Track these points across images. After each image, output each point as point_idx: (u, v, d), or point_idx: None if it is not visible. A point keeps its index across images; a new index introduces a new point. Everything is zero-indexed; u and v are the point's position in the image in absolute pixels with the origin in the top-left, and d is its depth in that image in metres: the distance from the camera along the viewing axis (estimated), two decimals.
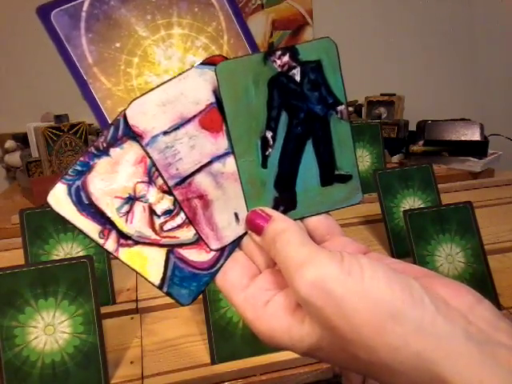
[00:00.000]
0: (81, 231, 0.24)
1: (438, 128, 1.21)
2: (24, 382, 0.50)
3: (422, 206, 0.80)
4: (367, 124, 1.08)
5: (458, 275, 0.65)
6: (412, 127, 1.36)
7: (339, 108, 0.26)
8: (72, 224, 0.24)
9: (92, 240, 0.24)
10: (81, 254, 0.68)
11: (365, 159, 1.05)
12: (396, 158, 1.27)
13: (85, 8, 0.24)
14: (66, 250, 0.68)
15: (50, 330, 0.51)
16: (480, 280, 0.65)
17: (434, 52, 1.77)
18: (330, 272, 0.20)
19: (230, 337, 0.55)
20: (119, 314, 0.66)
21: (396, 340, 0.19)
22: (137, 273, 0.25)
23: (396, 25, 1.72)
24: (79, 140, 1.06)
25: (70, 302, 0.52)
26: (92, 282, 0.53)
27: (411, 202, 0.81)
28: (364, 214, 0.92)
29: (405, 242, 0.69)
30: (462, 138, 1.18)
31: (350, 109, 1.48)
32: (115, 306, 0.68)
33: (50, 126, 1.04)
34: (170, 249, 0.25)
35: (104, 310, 0.61)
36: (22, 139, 1.35)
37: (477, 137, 1.17)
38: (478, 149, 1.16)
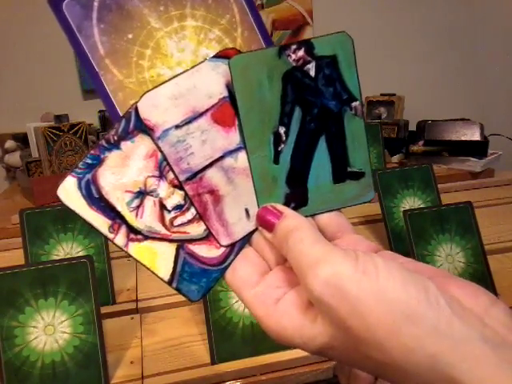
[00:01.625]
0: (90, 225, 0.24)
1: (438, 128, 1.21)
2: (24, 382, 0.50)
3: (421, 206, 0.80)
4: (367, 124, 1.08)
5: (458, 275, 0.65)
6: (412, 127, 1.36)
7: (353, 104, 0.26)
8: (82, 218, 0.24)
9: (102, 234, 0.24)
10: (81, 253, 0.68)
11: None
12: (396, 158, 1.27)
13: None
14: (66, 250, 0.68)
15: (49, 329, 0.51)
16: (480, 280, 0.65)
17: (434, 52, 1.77)
18: (344, 271, 0.20)
19: (229, 337, 0.55)
20: (119, 314, 0.66)
21: (411, 341, 0.18)
22: (146, 268, 0.25)
23: (396, 25, 1.73)
24: (79, 140, 1.06)
25: (70, 302, 0.52)
26: (92, 282, 0.53)
27: (411, 202, 0.81)
28: (364, 214, 0.92)
29: (405, 242, 0.69)
30: (462, 138, 1.18)
31: None
32: (115, 306, 0.68)
33: (50, 125, 1.04)
34: (180, 244, 0.25)
35: (104, 310, 0.62)
36: (22, 139, 1.35)
37: (477, 137, 1.17)
38: (478, 149, 1.16)
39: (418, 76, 1.75)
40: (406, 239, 0.68)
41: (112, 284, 0.69)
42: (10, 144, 1.37)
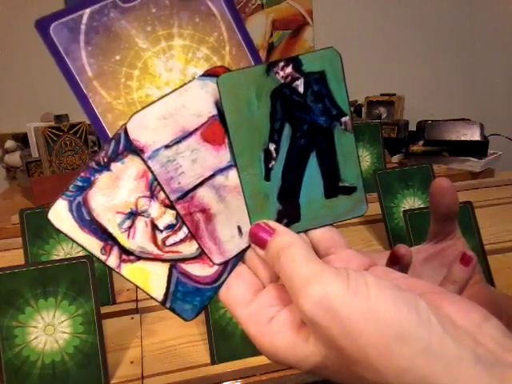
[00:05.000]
0: (83, 247, 0.24)
1: (437, 128, 1.21)
2: (24, 382, 0.50)
3: (421, 206, 0.80)
4: (367, 124, 1.08)
5: None
6: (412, 127, 1.36)
7: (343, 119, 0.26)
8: (73, 240, 0.24)
9: (94, 256, 0.24)
10: (81, 253, 0.68)
11: (365, 159, 1.05)
12: (396, 158, 1.27)
13: (84, 21, 0.24)
14: (65, 250, 0.68)
15: (50, 329, 0.51)
16: None
17: (434, 52, 1.77)
18: (335, 291, 0.20)
19: (229, 337, 0.55)
20: (119, 314, 0.66)
21: (403, 362, 0.18)
22: (139, 288, 0.25)
23: (396, 25, 1.72)
24: (79, 140, 1.06)
25: (70, 302, 0.52)
26: (92, 282, 0.53)
27: (411, 202, 0.81)
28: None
29: (405, 242, 0.69)
30: (462, 138, 1.18)
31: None
32: (115, 306, 0.68)
33: (50, 125, 1.04)
34: (173, 264, 0.25)
35: (104, 310, 0.61)
36: (22, 139, 1.35)
37: (477, 137, 1.17)
38: (478, 149, 1.16)
39: (418, 76, 1.75)
40: (406, 239, 0.68)
41: (112, 284, 0.69)
42: (9, 144, 1.37)
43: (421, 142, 1.23)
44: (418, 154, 1.21)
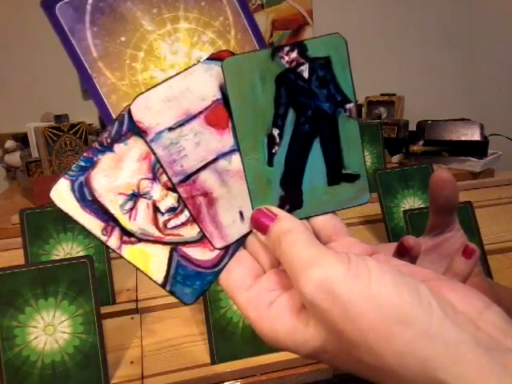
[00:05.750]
0: (84, 228, 0.24)
1: (438, 128, 1.21)
2: (24, 381, 0.50)
3: (421, 206, 0.80)
4: (367, 124, 1.08)
5: None
6: (412, 127, 1.36)
7: (348, 106, 0.26)
8: (75, 220, 0.24)
9: (95, 237, 0.24)
10: (81, 253, 0.68)
11: (365, 159, 1.05)
12: (396, 158, 1.27)
13: (90, 1, 0.24)
14: (66, 249, 0.68)
15: (50, 329, 0.51)
16: None
17: (434, 52, 1.77)
18: (336, 274, 0.20)
19: (229, 337, 0.55)
20: (119, 314, 0.66)
21: (403, 345, 0.18)
22: (139, 270, 0.24)
23: (396, 25, 1.72)
24: (79, 140, 1.06)
25: (70, 302, 0.52)
26: (92, 282, 0.53)
27: (411, 202, 0.81)
28: (364, 214, 0.92)
29: None
30: (462, 138, 1.18)
31: None
32: (115, 306, 0.68)
33: (50, 125, 1.04)
34: (174, 247, 0.25)
35: (104, 310, 0.61)
36: (21, 139, 1.35)
37: (477, 137, 1.17)
38: (478, 149, 1.16)
39: (418, 76, 1.75)
40: None
41: (112, 284, 0.69)
42: (9, 144, 1.37)
43: (421, 142, 1.23)
44: (418, 154, 1.21)
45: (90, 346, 0.52)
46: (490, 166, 1.17)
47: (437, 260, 0.37)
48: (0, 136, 1.42)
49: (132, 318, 0.65)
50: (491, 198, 1.02)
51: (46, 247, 0.67)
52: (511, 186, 1.12)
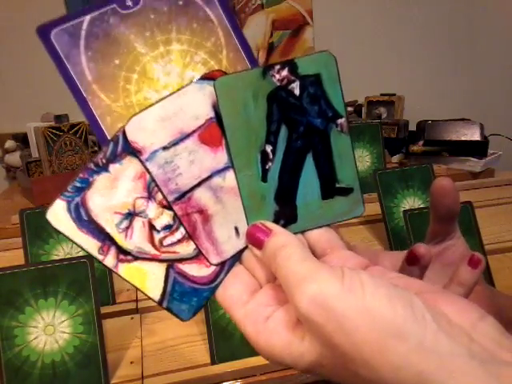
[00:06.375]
0: (80, 247, 0.24)
1: (438, 128, 1.21)
2: (24, 382, 0.50)
3: (421, 206, 0.80)
4: (367, 124, 1.08)
5: None
6: (412, 127, 1.36)
7: (339, 121, 0.26)
8: (72, 240, 0.24)
9: (91, 256, 0.24)
10: (81, 253, 0.68)
11: (365, 159, 1.05)
12: (396, 158, 1.27)
13: (84, 27, 0.24)
14: (65, 250, 0.68)
15: (49, 329, 0.51)
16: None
17: (434, 52, 1.77)
18: (330, 288, 0.20)
19: (229, 337, 0.56)
20: (119, 313, 0.66)
21: (398, 359, 0.18)
22: (136, 288, 0.25)
23: (396, 25, 1.72)
24: (79, 140, 1.06)
25: (70, 302, 0.52)
26: (92, 282, 0.53)
27: (411, 202, 0.81)
28: (364, 214, 0.91)
29: (405, 242, 0.69)
30: (462, 138, 1.18)
31: (350, 109, 1.48)
32: (115, 306, 0.68)
33: (50, 125, 1.04)
34: (170, 264, 0.25)
35: (104, 310, 0.62)
36: (22, 139, 1.35)
37: (477, 137, 1.17)
38: (478, 149, 1.16)
39: (418, 76, 1.75)
40: (406, 239, 0.68)
41: (112, 284, 0.69)
42: (9, 144, 1.37)
43: (421, 142, 1.23)
44: (418, 153, 1.21)
45: (90, 346, 0.52)
46: (490, 166, 1.17)
47: (439, 269, 0.37)
48: (0, 136, 1.42)
49: (132, 318, 0.65)
50: (491, 198, 1.02)
51: (45, 247, 0.67)
52: (511, 185, 1.12)
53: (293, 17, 1.66)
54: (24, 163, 1.10)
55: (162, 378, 0.53)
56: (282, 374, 0.54)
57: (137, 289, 0.25)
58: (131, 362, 0.56)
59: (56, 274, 0.52)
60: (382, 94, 1.43)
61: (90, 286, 0.53)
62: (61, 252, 0.68)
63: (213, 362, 0.55)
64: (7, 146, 1.37)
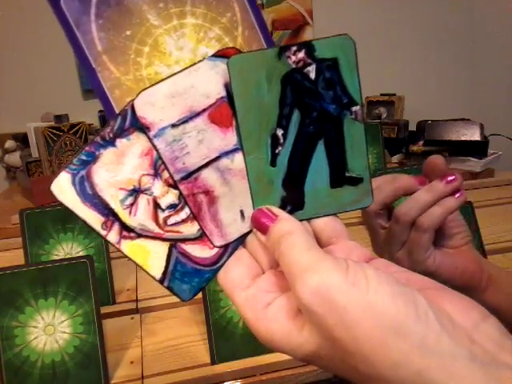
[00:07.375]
0: (83, 221, 0.24)
1: (438, 128, 1.21)
2: (24, 382, 0.50)
3: None
4: (367, 124, 1.08)
5: None
6: (412, 127, 1.36)
7: (354, 109, 0.25)
8: (75, 214, 0.24)
9: (94, 231, 0.24)
10: (81, 253, 0.68)
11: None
12: (396, 158, 1.27)
13: None
14: (66, 249, 0.68)
15: (50, 329, 0.51)
16: None
17: (434, 52, 1.77)
18: (333, 280, 0.19)
19: (229, 337, 0.55)
20: (119, 314, 0.66)
21: (398, 356, 0.18)
22: (138, 266, 0.24)
23: (396, 25, 1.73)
24: (79, 140, 1.06)
25: (70, 302, 0.52)
26: (92, 282, 0.53)
27: None
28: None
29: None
30: (462, 138, 1.18)
31: None
32: (115, 306, 0.68)
33: (50, 125, 1.04)
34: (173, 243, 0.25)
35: (104, 310, 0.61)
36: (21, 139, 1.35)
37: (477, 137, 1.17)
38: (478, 149, 1.16)
39: (418, 76, 1.75)
40: None
41: (112, 284, 0.69)
42: (9, 144, 1.37)
43: (421, 142, 1.23)
44: (418, 153, 1.21)
45: (90, 346, 0.52)
46: (489, 166, 1.17)
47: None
48: (0, 136, 1.42)
49: (132, 318, 0.65)
50: (491, 198, 1.02)
51: (45, 247, 0.67)
52: (511, 185, 1.12)
53: (293, 17, 1.66)
54: (24, 163, 1.10)
55: (162, 378, 0.53)
56: (281, 373, 0.54)
57: (138, 266, 0.24)
58: (131, 362, 0.56)
59: (56, 274, 0.52)
60: (381, 94, 1.43)
61: (89, 286, 0.53)
62: (61, 252, 0.68)
63: (213, 362, 0.55)
64: (7, 146, 1.37)
